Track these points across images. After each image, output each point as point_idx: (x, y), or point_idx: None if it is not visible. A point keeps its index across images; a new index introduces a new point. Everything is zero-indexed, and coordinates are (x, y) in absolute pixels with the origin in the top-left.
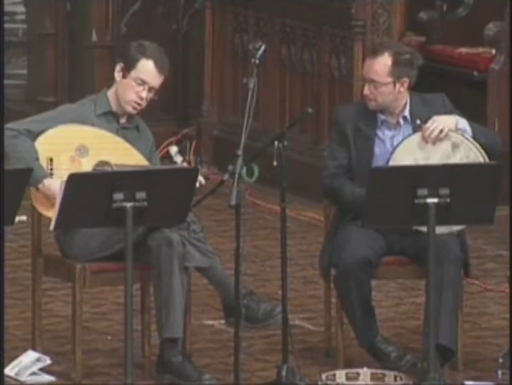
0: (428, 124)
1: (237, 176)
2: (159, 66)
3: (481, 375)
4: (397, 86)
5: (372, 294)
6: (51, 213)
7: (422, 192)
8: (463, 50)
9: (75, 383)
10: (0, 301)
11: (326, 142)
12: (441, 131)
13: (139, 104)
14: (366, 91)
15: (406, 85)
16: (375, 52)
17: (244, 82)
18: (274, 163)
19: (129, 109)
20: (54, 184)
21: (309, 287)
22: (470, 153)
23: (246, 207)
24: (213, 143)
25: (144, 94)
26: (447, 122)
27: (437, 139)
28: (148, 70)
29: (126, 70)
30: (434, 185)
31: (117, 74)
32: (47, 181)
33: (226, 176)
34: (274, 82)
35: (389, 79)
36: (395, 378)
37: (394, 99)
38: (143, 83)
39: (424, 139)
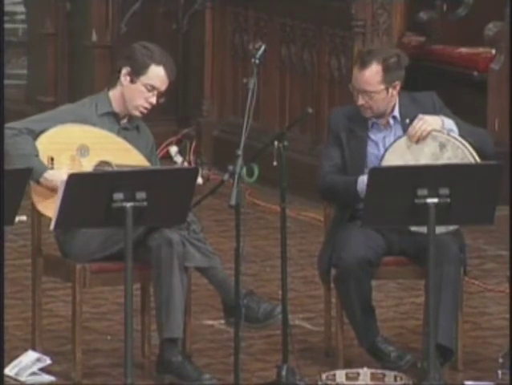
0: (414, 123)
1: (237, 176)
2: (169, 72)
3: (481, 375)
4: (390, 90)
5: (372, 294)
6: (51, 212)
7: (422, 192)
8: (463, 50)
9: (75, 383)
10: (0, 301)
11: (326, 142)
12: (426, 129)
13: (146, 109)
14: (360, 101)
15: (398, 87)
16: (363, 63)
17: (244, 82)
18: (274, 163)
19: (136, 113)
20: (56, 176)
21: (309, 287)
22: (458, 151)
23: (246, 207)
24: (213, 143)
25: (153, 99)
26: (433, 121)
27: (422, 138)
28: (159, 76)
29: (134, 75)
30: (434, 185)
31: (124, 78)
32: (48, 174)
33: (226, 176)
34: (274, 82)
35: (382, 87)
36: (395, 378)
37: (388, 103)
38: (153, 88)
39: (411, 138)
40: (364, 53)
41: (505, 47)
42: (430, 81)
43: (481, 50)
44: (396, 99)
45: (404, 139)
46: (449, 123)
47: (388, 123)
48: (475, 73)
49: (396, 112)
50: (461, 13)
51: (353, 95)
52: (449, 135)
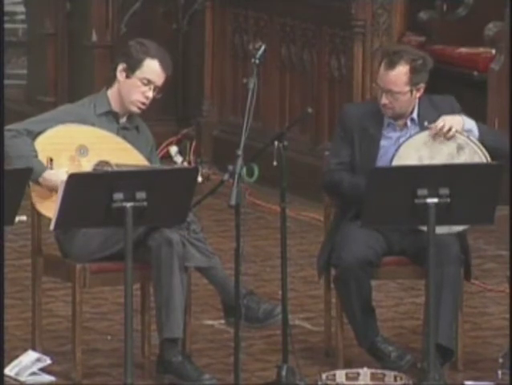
0: (437, 123)
1: (237, 176)
2: (164, 66)
3: (481, 375)
4: (414, 92)
5: (372, 294)
6: (51, 212)
7: (422, 192)
8: (463, 50)
9: (75, 383)
10: (0, 301)
11: (326, 142)
12: (449, 130)
13: (144, 104)
14: (384, 100)
15: (422, 90)
16: (391, 63)
17: (244, 82)
18: (274, 163)
19: (134, 109)
20: (54, 175)
21: (309, 287)
22: (475, 156)
23: (246, 207)
24: (213, 143)
25: (150, 94)
26: (455, 122)
27: (444, 139)
28: (153, 69)
29: (130, 71)
30: (434, 185)
31: (120, 74)
32: (47, 174)
33: (226, 176)
34: (274, 82)
35: (407, 88)
36: (395, 378)
37: (409, 105)
38: (148, 82)
39: (432, 137)
40: (392, 52)
41: (505, 47)
42: (430, 81)
43: (481, 50)
44: (416, 101)
45: (421, 135)
46: (470, 124)
47: (405, 124)
48: (475, 73)
49: (415, 114)
50: (461, 13)
51: (353, 96)
52: (468, 138)
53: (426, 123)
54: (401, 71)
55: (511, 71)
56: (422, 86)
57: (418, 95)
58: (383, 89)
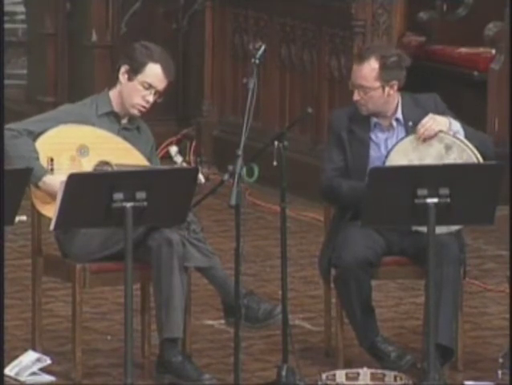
0: (424, 121)
1: (237, 176)
2: (166, 71)
3: (481, 375)
4: (386, 89)
5: (372, 294)
6: (51, 213)
7: (422, 192)
8: (463, 50)
9: (75, 383)
10: (0, 301)
11: (326, 142)
12: (432, 130)
13: (144, 107)
14: (356, 97)
15: (395, 87)
16: (361, 58)
17: (244, 82)
18: (274, 163)
19: (134, 112)
20: (55, 181)
21: (309, 287)
22: (463, 154)
23: (246, 207)
24: (213, 143)
25: (150, 98)
26: (441, 121)
27: (428, 137)
28: (155, 74)
29: (132, 73)
30: (434, 185)
31: (122, 77)
32: (47, 178)
33: (226, 176)
34: (274, 82)
35: (378, 84)
36: (395, 378)
37: (385, 102)
38: (150, 87)
39: (418, 136)
40: (365, 49)
41: (505, 47)
42: (430, 81)
43: (481, 50)
44: (399, 101)
45: (409, 139)
46: (456, 125)
47: (390, 124)
48: (475, 73)
49: (399, 114)
50: (461, 13)
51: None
52: (455, 136)
53: (410, 124)
54: (370, 66)
55: (511, 71)
56: (395, 83)
57: (392, 92)
58: (355, 85)
